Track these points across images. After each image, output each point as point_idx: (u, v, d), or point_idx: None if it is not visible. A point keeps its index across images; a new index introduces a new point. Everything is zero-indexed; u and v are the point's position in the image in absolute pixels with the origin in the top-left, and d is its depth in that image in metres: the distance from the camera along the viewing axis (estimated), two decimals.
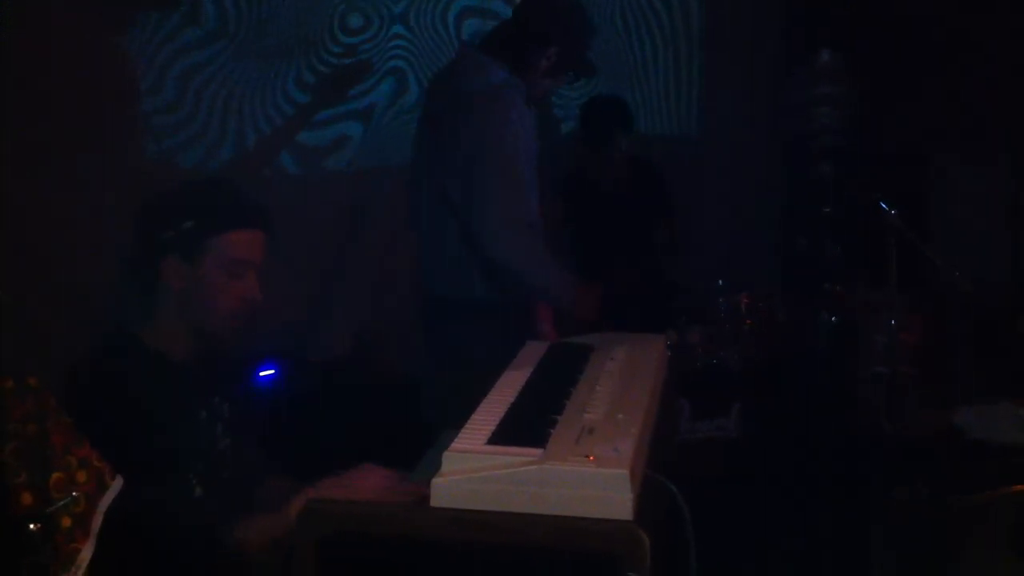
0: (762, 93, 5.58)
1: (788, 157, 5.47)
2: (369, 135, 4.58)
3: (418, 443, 2.39)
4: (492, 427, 1.89)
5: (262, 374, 2.33)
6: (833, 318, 3.71)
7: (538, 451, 1.77)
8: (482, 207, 2.99)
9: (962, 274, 3.46)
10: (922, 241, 3.46)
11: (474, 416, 1.97)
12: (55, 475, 1.61)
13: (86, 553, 1.61)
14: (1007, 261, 5.12)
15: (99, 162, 3.13)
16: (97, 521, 1.64)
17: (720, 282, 3.90)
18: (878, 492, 3.00)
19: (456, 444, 1.81)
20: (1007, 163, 5.23)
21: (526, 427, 1.89)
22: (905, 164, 5.21)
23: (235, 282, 2.23)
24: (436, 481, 1.72)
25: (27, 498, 1.57)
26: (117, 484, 1.68)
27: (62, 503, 1.59)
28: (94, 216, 2.98)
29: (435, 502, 1.71)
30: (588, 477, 1.69)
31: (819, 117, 5.32)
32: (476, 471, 1.72)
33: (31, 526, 1.52)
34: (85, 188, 3.02)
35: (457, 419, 1.97)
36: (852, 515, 3.09)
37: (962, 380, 3.73)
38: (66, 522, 1.60)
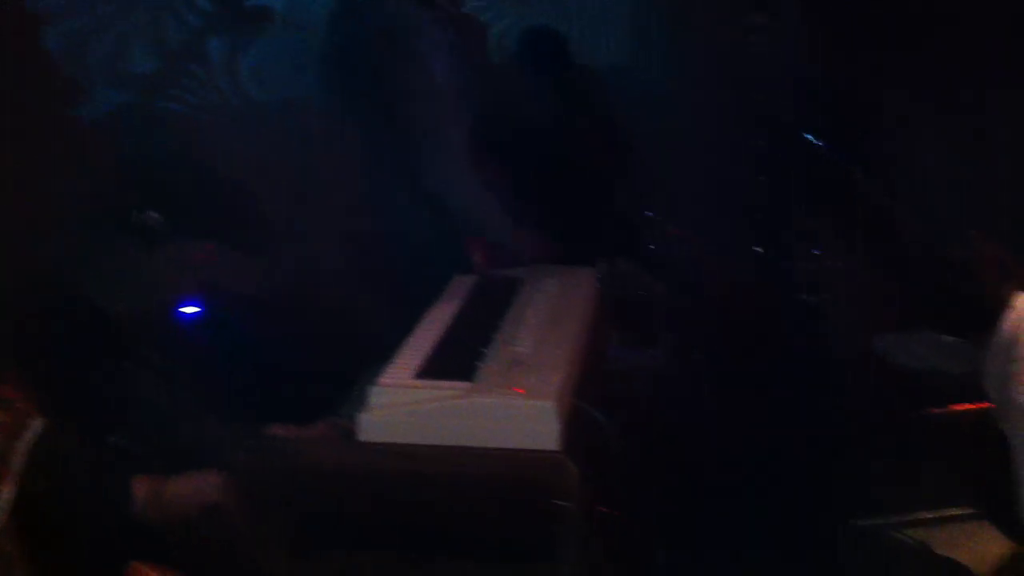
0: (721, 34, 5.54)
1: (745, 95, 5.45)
2: None
3: (347, 380, 2.38)
4: (420, 361, 1.89)
5: (185, 311, 2.28)
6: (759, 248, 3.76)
7: (466, 384, 1.78)
8: (426, 142, 2.96)
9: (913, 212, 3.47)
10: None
11: (401, 350, 1.96)
12: None
13: (7, 492, 1.59)
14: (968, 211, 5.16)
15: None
16: (18, 460, 1.61)
17: (649, 213, 3.90)
18: (803, 416, 3.07)
19: (383, 378, 1.81)
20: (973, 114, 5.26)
21: (454, 360, 1.90)
22: (870, 114, 5.22)
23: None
24: (364, 415, 1.72)
25: None
26: (38, 424, 1.65)
27: None
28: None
29: (363, 436, 1.71)
30: (516, 408, 1.70)
31: (757, 46, 5.32)
32: (404, 405, 1.72)
33: None
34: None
35: (385, 354, 1.96)
36: (777, 436, 3.15)
37: (888, 306, 3.79)
38: None
